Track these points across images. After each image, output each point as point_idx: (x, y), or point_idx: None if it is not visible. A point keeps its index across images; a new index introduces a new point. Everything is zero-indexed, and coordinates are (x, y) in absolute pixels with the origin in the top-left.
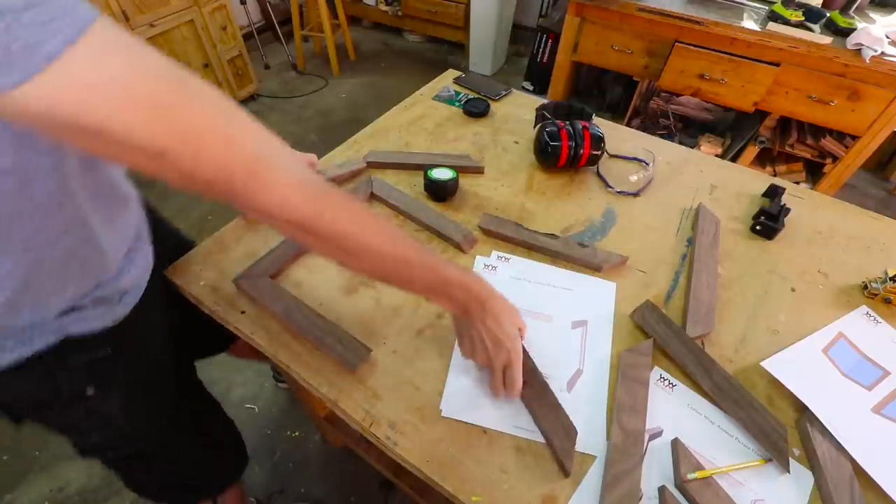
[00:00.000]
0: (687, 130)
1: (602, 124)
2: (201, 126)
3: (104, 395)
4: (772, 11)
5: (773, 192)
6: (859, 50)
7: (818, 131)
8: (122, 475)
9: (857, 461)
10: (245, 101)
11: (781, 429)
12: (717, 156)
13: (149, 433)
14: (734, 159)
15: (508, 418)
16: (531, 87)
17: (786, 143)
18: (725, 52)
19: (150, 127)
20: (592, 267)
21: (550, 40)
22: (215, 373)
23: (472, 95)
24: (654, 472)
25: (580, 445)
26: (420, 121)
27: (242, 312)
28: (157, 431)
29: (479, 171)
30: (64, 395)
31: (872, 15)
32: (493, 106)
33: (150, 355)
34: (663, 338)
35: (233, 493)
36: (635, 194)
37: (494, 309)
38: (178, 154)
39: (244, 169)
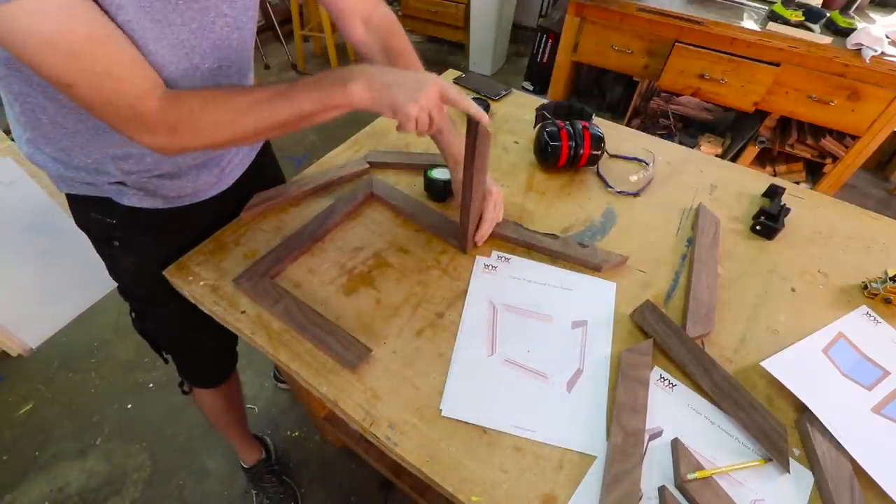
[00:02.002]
0: (687, 130)
1: (602, 124)
2: (100, 72)
3: (123, 254)
4: (772, 11)
5: (773, 192)
6: (859, 50)
7: (818, 131)
8: (133, 319)
9: (857, 461)
10: None
11: (781, 429)
12: (717, 156)
13: (149, 303)
14: (734, 159)
15: (508, 418)
16: (531, 87)
17: (786, 143)
18: (725, 52)
19: (61, 66)
20: (592, 267)
21: (550, 40)
22: None
23: (472, 95)
24: (654, 472)
25: (580, 445)
26: None
27: (242, 312)
28: (157, 308)
29: None
30: (93, 233)
31: (872, 15)
32: (493, 106)
33: (162, 254)
34: (663, 338)
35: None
36: (635, 194)
37: (402, 71)
38: (80, 88)
39: (129, 105)
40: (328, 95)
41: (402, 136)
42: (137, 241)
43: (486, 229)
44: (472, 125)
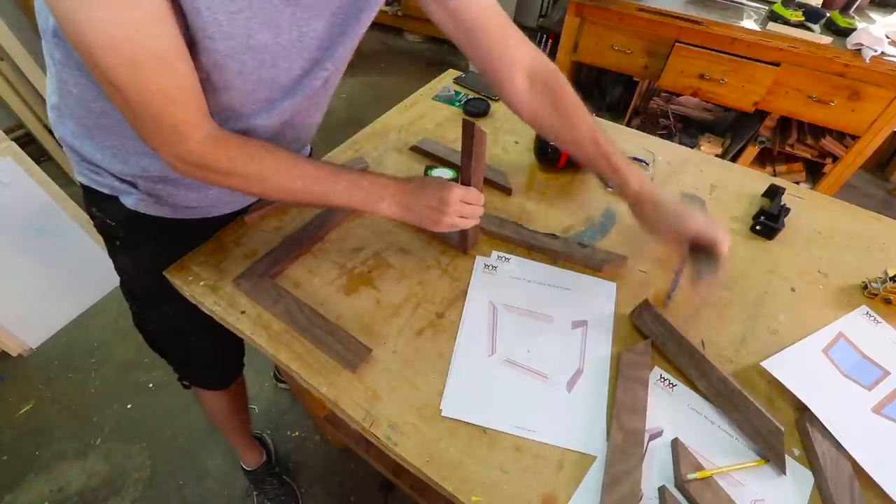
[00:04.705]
0: (687, 130)
1: (602, 124)
2: (154, 89)
3: (123, 253)
4: (772, 11)
5: (773, 192)
6: (859, 50)
7: (818, 131)
8: (133, 316)
9: (857, 461)
10: None
11: (777, 430)
12: (717, 156)
13: (145, 304)
14: (734, 159)
15: (508, 418)
16: None
17: (786, 143)
18: (725, 52)
19: (116, 69)
20: (592, 267)
21: (550, 40)
22: None
23: (472, 95)
24: (654, 472)
25: (580, 445)
26: (420, 121)
27: (242, 312)
28: (151, 311)
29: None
30: (97, 223)
31: (872, 15)
32: (493, 106)
33: (160, 260)
34: (660, 339)
35: (229, 394)
36: None
37: (424, 188)
38: (128, 94)
39: (172, 127)
40: (361, 204)
41: (402, 135)
42: (137, 245)
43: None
44: (468, 125)
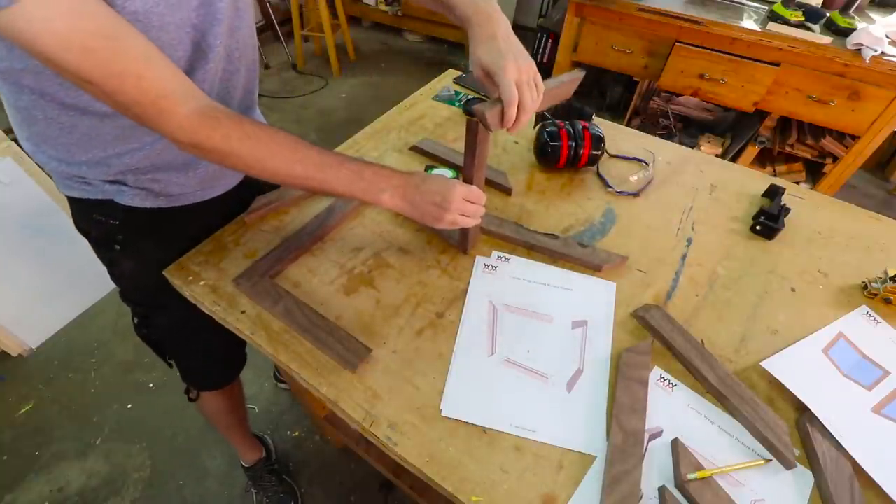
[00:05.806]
0: (687, 130)
1: (602, 124)
2: (119, 68)
3: (122, 257)
4: (772, 11)
5: (773, 192)
6: (859, 50)
7: (818, 131)
8: (136, 324)
9: (857, 461)
10: None
11: (785, 424)
12: (717, 156)
13: (149, 307)
14: (734, 159)
15: (508, 418)
16: None
17: (786, 143)
18: (725, 52)
19: (79, 63)
20: (592, 267)
21: (550, 40)
22: None
23: (472, 95)
24: (654, 472)
25: (580, 445)
26: (420, 121)
27: (242, 312)
28: (157, 312)
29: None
30: (94, 236)
31: (872, 15)
32: None
33: (162, 258)
34: (669, 333)
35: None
36: (635, 194)
37: (427, 183)
38: (101, 85)
39: (152, 103)
40: (363, 195)
41: (402, 135)
42: (138, 243)
43: (523, 119)
44: (473, 124)
